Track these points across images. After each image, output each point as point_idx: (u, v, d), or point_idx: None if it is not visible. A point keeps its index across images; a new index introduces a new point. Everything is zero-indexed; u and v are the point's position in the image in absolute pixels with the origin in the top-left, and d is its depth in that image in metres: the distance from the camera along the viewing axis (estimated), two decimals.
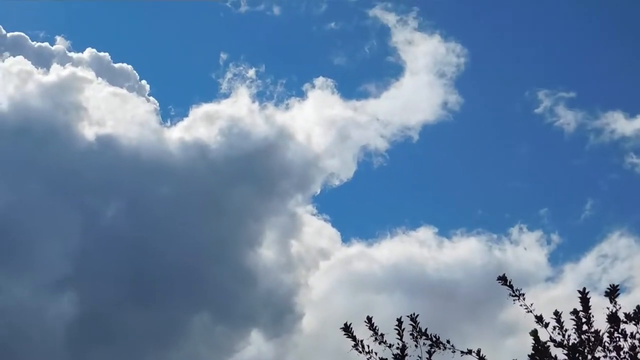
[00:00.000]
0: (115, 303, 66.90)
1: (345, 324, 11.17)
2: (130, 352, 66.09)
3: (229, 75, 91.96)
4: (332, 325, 73.54)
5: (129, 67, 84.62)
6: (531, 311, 11.51)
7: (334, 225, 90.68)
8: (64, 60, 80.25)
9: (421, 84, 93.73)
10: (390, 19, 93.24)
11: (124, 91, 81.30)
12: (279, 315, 71.47)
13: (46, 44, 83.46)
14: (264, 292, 72.17)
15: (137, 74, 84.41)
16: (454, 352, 11.23)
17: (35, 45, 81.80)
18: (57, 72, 76.90)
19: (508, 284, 11.68)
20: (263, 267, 73.47)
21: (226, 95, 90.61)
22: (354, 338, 11.13)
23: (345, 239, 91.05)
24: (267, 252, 74.59)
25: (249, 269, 72.39)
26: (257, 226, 74.94)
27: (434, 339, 11.20)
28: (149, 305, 68.54)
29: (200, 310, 69.33)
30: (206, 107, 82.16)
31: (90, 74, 79.21)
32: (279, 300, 72.10)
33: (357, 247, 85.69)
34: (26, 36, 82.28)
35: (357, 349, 11.10)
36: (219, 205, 74.82)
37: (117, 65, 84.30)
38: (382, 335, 11.07)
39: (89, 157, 72.79)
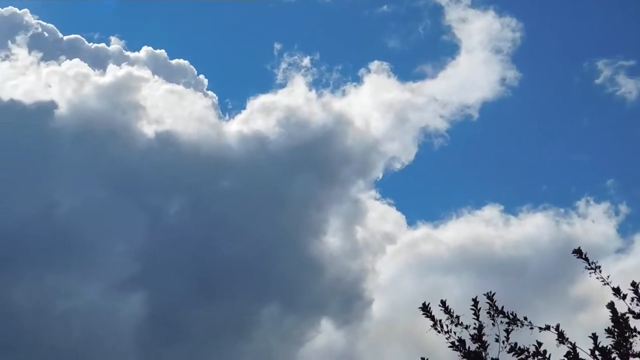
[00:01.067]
0: (184, 299, 67.11)
1: (424, 304, 10.99)
2: (202, 347, 66.24)
3: (283, 65, 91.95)
4: (402, 309, 72.99)
5: (186, 62, 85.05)
6: (608, 283, 11.17)
7: (398, 209, 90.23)
8: (119, 61, 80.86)
9: (478, 62, 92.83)
10: None
11: (180, 87, 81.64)
12: (347, 302, 71.19)
13: (102, 44, 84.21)
14: (331, 279, 71.93)
15: (194, 69, 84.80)
16: (531, 328, 10.95)
17: (92, 47, 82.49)
18: (113, 73, 77.40)
19: (584, 256, 11.34)
20: (329, 255, 73.28)
21: (282, 86, 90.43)
22: (432, 318, 10.90)
23: (411, 222, 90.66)
24: (332, 240, 74.42)
25: (315, 258, 72.20)
26: (320, 214, 74.73)
27: (512, 316, 10.90)
28: (218, 300, 68.62)
29: (269, 301, 69.25)
30: (263, 99, 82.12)
31: (146, 73, 79.65)
32: (347, 287, 71.81)
33: (422, 230, 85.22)
34: (82, 38, 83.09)
35: (435, 329, 10.85)
36: (281, 196, 74.56)
37: (173, 61, 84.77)
38: (457, 317, 10.80)
39: (149, 155, 73.03)
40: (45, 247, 64.91)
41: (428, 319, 10.95)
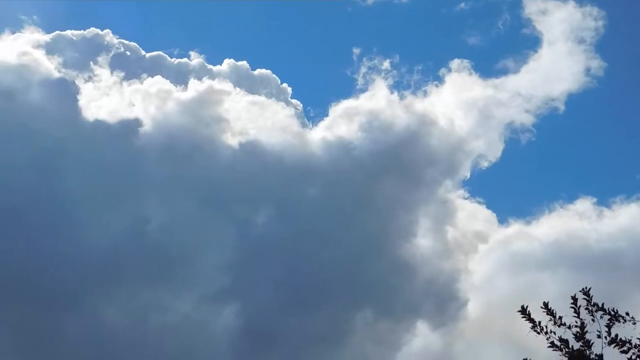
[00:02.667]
0: (277, 309, 67.13)
1: (522, 307, 10.65)
2: (297, 356, 66.15)
3: (363, 69, 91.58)
4: (498, 308, 72.22)
5: (269, 72, 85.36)
6: None
7: (488, 207, 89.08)
8: (200, 75, 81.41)
9: (560, 53, 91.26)
10: None
11: (262, 98, 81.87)
12: (442, 303, 70.58)
13: (185, 59, 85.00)
14: (424, 281, 71.44)
15: (277, 79, 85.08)
16: (634, 323, 10.38)
17: (174, 63, 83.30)
18: (195, 88, 77.98)
19: None
20: (420, 256, 72.73)
21: (363, 90, 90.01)
22: (532, 320, 10.49)
23: (502, 220, 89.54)
24: (422, 242, 73.89)
25: (407, 260, 71.68)
26: (409, 217, 74.23)
27: (612, 312, 10.35)
28: (311, 307, 68.49)
29: (362, 307, 68.94)
30: (345, 104, 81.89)
31: (227, 86, 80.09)
32: (440, 289, 71.23)
33: (515, 227, 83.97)
34: (164, 55, 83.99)
35: (535, 331, 10.43)
36: (368, 200, 74.15)
37: (256, 72, 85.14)
38: (560, 318, 10.35)
39: (234, 167, 73.31)
40: (138, 264, 65.77)
41: (527, 321, 10.54)
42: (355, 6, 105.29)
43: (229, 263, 67.55)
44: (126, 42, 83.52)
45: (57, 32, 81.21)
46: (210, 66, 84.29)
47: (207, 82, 79.28)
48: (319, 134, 79.26)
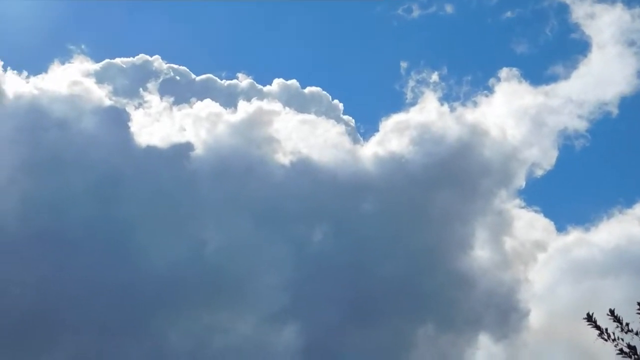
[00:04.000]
0: (338, 326, 66.77)
1: (588, 314, 10.32)
2: None
3: (411, 83, 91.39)
4: (561, 317, 71.30)
5: (319, 89, 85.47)
6: None
7: (546, 216, 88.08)
8: (250, 96, 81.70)
9: (611, 56, 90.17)
10: None
11: (312, 117, 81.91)
12: (503, 315, 69.94)
13: (234, 81, 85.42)
14: (484, 293, 70.79)
15: (328, 95, 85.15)
16: None
17: (224, 85, 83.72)
18: (244, 109, 78.17)
19: None
20: (479, 268, 72.15)
21: (413, 103, 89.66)
22: (598, 327, 10.17)
23: (560, 228, 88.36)
24: (480, 253, 73.32)
25: (465, 273, 71.15)
26: (465, 229, 73.67)
27: None
28: (372, 323, 68.05)
29: (423, 321, 68.53)
30: (395, 118, 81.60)
31: (277, 106, 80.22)
32: (501, 300, 70.58)
33: (573, 234, 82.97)
34: (214, 77, 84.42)
35: (602, 338, 10.10)
36: (423, 213, 73.73)
37: (306, 90, 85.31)
38: (627, 324, 10.01)
39: (287, 186, 73.19)
40: (198, 287, 65.84)
41: (594, 329, 10.22)
42: (401, 20, 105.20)
43: (288, 282, 67.48)
44: (175, 66, 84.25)
45: (107, 60, 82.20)
46: (260, 86, 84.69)
47: (256, 103, 79.51)
48: (371, 150, 79.13)
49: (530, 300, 72.47)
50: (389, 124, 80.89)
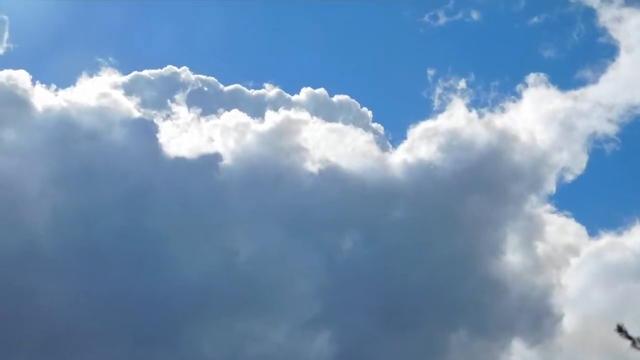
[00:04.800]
0: (370, 333, 66.68)
1: (619, 326, 10.10)
2: None
3: (439, 90, 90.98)
4: (595, 321, 70.99)
5: (347, 97, 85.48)
6: None
7: (577, 220, 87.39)
8: (278, 105, 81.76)
9: (639, 60, 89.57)
10: (593, 0, 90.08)
11: (340, 125, 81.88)
12: (537, 319, 69.74)
13: (262, 91, 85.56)
14: (517, 298, 70.68)
15: (357, 103, 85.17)
16: None
17: (252, 94, 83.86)
18: (272, 119, 78.16)
19: None
20: (511, 273, 71.97)
21: (440, 110, 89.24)
22: (630, 337, 9.97)
23: (592, 232, 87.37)
24: (512, 258, 73.10)
25: (497, 278, 71.03)
26: (497, 234, 73.49)
27: None
28: (404, 330, 67.91)
29: (456, 327, 68.33)
30: (423, 125, 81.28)
31: (304, 115, 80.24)
32: (534, 305, 70.38)
33: (606, 239, 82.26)
34: (242, 88, 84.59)
35: (636, 347, 9.92)
36: (454, 220, 73.51)
37: (334, 98, 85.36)
38: None
39: (317, 195, 73.12)
40: (230, 296, 65.91)
41: (626, 339, 10.02)
42: (427, 27, 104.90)
43: (319, 290, 67.48)
44: (203, 77, 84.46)
45: (135, 72, 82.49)
46: (288, 95, 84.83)
47: (283, 113, 79.52)
48: (400, 157, 78.87)
49: (564, 304, 72.32)
50: (417, 131, 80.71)
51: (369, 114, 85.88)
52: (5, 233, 64.52)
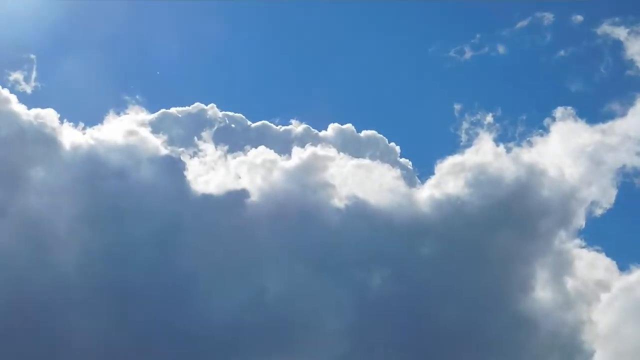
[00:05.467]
0: None
1: None
2: None
3: (465, 125, 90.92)
4: (627, 357, 70.54)
5: (374, 132, 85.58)
6: None
7: (607, 255, 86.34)
8: (305, 141, 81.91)
9: None
10: (620, 32, 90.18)
11: (367, 161, 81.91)
12: (568, 356, 69.38)
13: (290, 127, 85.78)
14: (547, 335, 70.11)
15: (385, 138, 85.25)
16: None
17: (280, 130, 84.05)
18: (298, 155, 78.23)
19: None
20: (541, 309, 71.42)
21: (467, 145, 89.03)
22: None
23: (623, 267, 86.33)
24: (542, 294, 72.56)
25: (527, 314, 70.52)
26: (526, 270, 73.03)
27: None
28: None
29: None
30: (450, 160, 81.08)
31: (331, 151, 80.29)
32: (565, 341, 69.90)
33: (637, 273, 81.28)
34: (269, 124, 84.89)
35: None
36: (482, 256, 73.10)
37: (362, 133, 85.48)
38: None
39: (344, 231, 72.96)
40: (260, 333, 65.61)
41: None
42: (454, 62, 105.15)
43: (348, 327, 67.12)
44: (231, 113, 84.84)
45: (163, 110, 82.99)
46: (315, 131, 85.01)
47: (310, 149, 79.60)
48: (427, 192, 78.64)
49: (595, 340, 71.62)
50: (444, 166, 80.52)
51: (397, 149, 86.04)
52: (35, 272, 64.66)
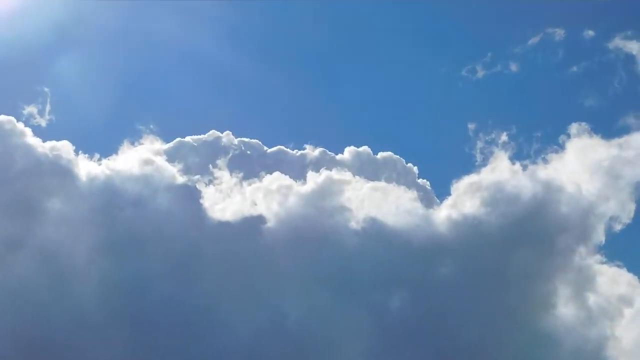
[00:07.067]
0: None
1: None
2: None
3: (480, 144, 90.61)
4: None
5: (390, 154, 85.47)
6: None
7: (629, 270, 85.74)
8: (321, 165, 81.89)
9: None
10: (633, 46, 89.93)
11: (383, 183, 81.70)
12: None
13: (306, 151, 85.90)
14: (570, 352, 69.54)
15: (402, 160, 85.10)
16: None
17: (296, 155, 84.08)
18: (314, 180, 78.14)
19: None
20: (563, 326, 70.88)
21: (483, 164, 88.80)
22: None
23: None
24: (564, 311, 72.01)
25: (549, 332, 70.05)
26: (547, 287, 72.54)
27: None
28: None
29: None
30: (467, 180, 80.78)
31: (347, 175, 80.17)
32: (588, 358, 69.38)
33: None
34: (285, 149, 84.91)
35: None
36: (502, 274, 72.60)
37: (379, 155, 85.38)
38: None
39: (362, 254, 72.74)
40: (281, 357, 65.25)
41: None
42: (466, 81, 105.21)
43: (369, 350, 66.91)
44: (247, 140, 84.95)
45: (178, 139, 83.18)
46: (331, 154, 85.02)
47: (325, 173, 79.51)
48: (444, 213, 78.30)
49: (619, 357, 71.08)
50: (460, 186, 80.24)
51: (415, 169, 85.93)
52: (54, 303, 64.75)
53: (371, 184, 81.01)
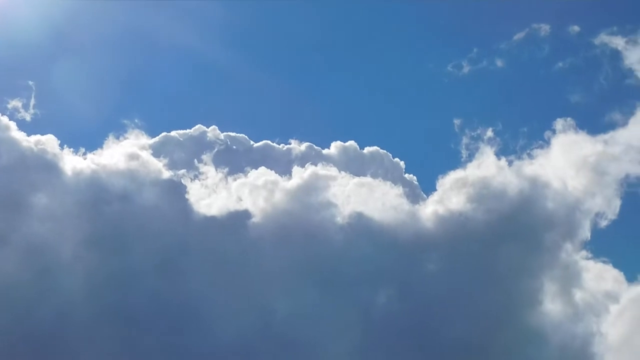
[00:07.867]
0: None
1: None
2: None
3: (465, 140, 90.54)
4: None
5: (376, 148, 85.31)
6: None
7: (615, 266, 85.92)
8: (307, 160, 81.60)
9: None
10: (618, 42, 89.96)
11: (368, 179, 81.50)
12: None
13: (292, 145, 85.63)
14: (557, 348, 69.69)
15: (389, 154, 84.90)
16: None
17: (283, 149, 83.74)
18: (299, 175, 77.91)
19: None
20: (550, 322, 71.01)
21: (468, 160, 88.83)
22: None
23: (631, 277, 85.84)
24: (550, 307, 72.15)
25: (536, 328, 70.12)
26: (533, 283, 72.59)
27: None
28: None
29: None
30: (452, 176, 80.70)
31: (333, 170, 79.92)
32: (575, 354, 69.51)
33: None
34: (272, 144, 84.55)
35: None
36: (489, 270, 72.57)
37: (365, 150, 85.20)
38: None
39: (349, 250, 72.58)
40: (268, 355, 65.04)
41: None
42: (452, 77, 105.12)
43: (356, 346, 66.70)
44: (233, 134, 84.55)
45: (164, 133, 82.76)
46: (318, 149, 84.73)
47: (310, 169, 79.26)
48: (430, 208, 78.20)
49: (605, 353, 71.30)
50: (446, 181, 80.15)
51: (402, 164, 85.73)
52: (39, 298, 64.20)
53: (357, 179, 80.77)
